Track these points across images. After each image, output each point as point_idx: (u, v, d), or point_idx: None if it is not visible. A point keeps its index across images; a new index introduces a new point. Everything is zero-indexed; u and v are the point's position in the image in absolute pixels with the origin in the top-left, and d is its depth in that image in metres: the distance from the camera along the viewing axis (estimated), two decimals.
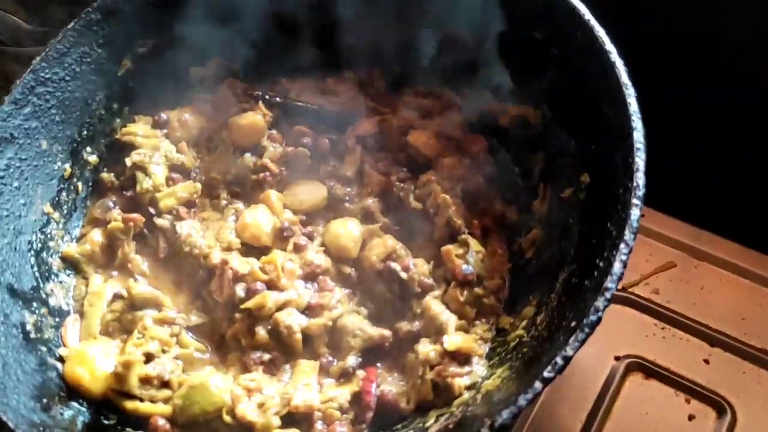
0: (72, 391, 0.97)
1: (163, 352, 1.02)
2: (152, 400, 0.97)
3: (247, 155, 1.20)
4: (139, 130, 1.19)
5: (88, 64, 1.14)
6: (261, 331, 1.02)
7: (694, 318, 1.21)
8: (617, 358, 1.17)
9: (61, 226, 1.12)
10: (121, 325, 1.06)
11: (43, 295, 1.05)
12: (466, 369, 0.97)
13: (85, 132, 1.16)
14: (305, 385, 0.98)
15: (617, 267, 0.80)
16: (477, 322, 1.04)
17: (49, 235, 1.10)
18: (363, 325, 1.04)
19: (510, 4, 1.09)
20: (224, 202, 1.19)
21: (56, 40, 1.10)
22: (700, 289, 1.25)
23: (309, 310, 1.05)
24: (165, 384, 0.98)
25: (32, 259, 1.06)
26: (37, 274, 1.05)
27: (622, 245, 0.81)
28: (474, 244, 1.08)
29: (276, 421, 0.94)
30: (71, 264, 1.12)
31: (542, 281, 1.01)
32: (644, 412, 1.12)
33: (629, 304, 1.23)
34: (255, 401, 0.96)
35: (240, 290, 1.04)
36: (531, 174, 1.13)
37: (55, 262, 1.10)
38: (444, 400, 0.95)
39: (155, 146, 1.18)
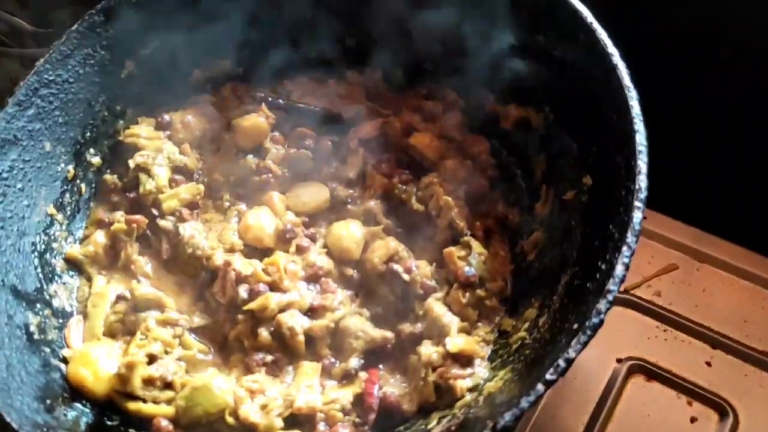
0: (75, 392, 0.98)
1: (166, 353, 1.02)
2: (155, 402, 0.97)
3: (250, 157, 1.20)
4: (142, 131, 1.19)
5: (92, 66, 1.14)
6: (264, 333, 1.02)
7: (696, 320, 1.21)
8: (619, 360, 1.17)
9: (64, 227, 1.12)
10: (124, 327, 1.06)
11: (47, 297, 1.05)
12: (468, 371, 0.97)
13: (88, 134, 1.16)
14: (308, 387, 0.98)
15: (619, 269, 0.80)
16: (479, 324, 1.04)
17: (52, 237, 1.10)
18: (365, 327, 1.04)
19: (512, 7, 1.09)
20: (227, 204, 1.19)
21: (60, 42, 1.10)
22: (702, 292, 1.25)
23: (311, 312, 1.05)
24: (168, 385, 0.98)
25: (36, 261, 1.06)
26: (40, 275, 1.06)
27: (624, 248, 0.81)
28: (476, 246, 1.08)
29: (279, 423, 0.95)
30: (74, 265, 1.12)
31: (544, 283, 1.01)
32: (646, 415, 1.12)
33: (631, 306, 1.23)
34: (258, 403, 0.96)
35: (243, 292, 1.04)
36: (533, 176, 1.13)
37: (59, 264, 1.10)
38: (446, 402, 0.95)
39: (158, 148, 1.18)
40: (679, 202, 1.31)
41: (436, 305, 1.03)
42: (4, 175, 1.03)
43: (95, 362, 0.98)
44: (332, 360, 1.03)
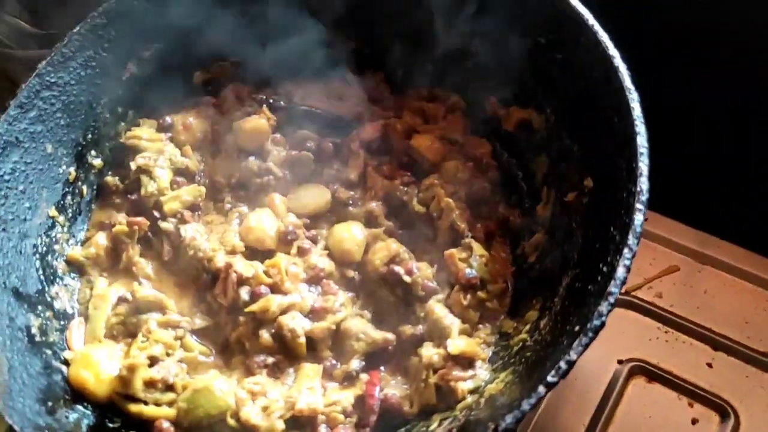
0: (77, 395, 0.98)
1: (168, 355, 1.02)
2: (157, 404, 0.97)
3: (252, 159, 1.20)
4: (143, 133, 1.20)
5: (93, 69, 1.14)
6: (265, 335, 1.02)
7: (698, 322, 1.21)
8: (620, 362, 1.17)
9: (66, 229, 1.12)
10: (126, 329, 1.06)
11: (48, 299, 1.05)
12: (470, 373, 0.97)
13: (90, 136, 1.16)
14: (309, 389, 0.98)
15: (621, 272, 0.80)
16: (480, 325, 1.04)
17: (54, 239, 1.10)
18: (366, 329, 1.04)
19: (514, 9, 1.09)
20: (228, 206, 1.19)
21: (62, 44, 1.10)
22: (703, 293, 1.25)
23: (313, 314, 1.05)
24: (169, 387, 0.98)
25: (37, 263, 1.06)
26: (42, 277, 1.06)
27: (626, 250, 0.81)
28: (477, 248, 1.08)
29: (280, 425, 0.95)
30: (76, 267, 1.12)
31: (545, 285, 1.01)
32: (647, 416, 1.12)
33: (632, 307, 1.23)
34: (259, 405, 0.96)
35: (244, 294, 1.04)
36: (534, 178, 1.13)
37: (60, 266, 1.10)
38: (447, 404, 0.95)
39: (160, 150, 1.18)
40: (681, 204, 1.31)
41: (437, 307, 1.03)
42: (6, 177, 1.03)
43: (96, 364, 0.98)
44: (333, 362, 1.03)
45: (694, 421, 1.12)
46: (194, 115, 1.24)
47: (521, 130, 1.16)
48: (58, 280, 1.09)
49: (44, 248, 1.08)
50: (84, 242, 1.15)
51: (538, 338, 0.95)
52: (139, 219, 1.13)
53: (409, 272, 1.06)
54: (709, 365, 1.17)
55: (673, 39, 1.32)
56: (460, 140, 1.22)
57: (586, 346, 0.78)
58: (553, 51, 1.07)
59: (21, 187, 1.05)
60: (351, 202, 1.18)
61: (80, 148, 1.15)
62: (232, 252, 1.10)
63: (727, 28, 1.28)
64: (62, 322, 1.06)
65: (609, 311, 0.79)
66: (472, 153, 1.20)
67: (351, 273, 1.10)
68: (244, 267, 1.06)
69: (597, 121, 0.98)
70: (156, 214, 1.14)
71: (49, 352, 1.00)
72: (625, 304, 1.23)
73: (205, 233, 1.13)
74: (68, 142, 1.13)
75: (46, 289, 1.06)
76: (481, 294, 1.05)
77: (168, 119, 1.22)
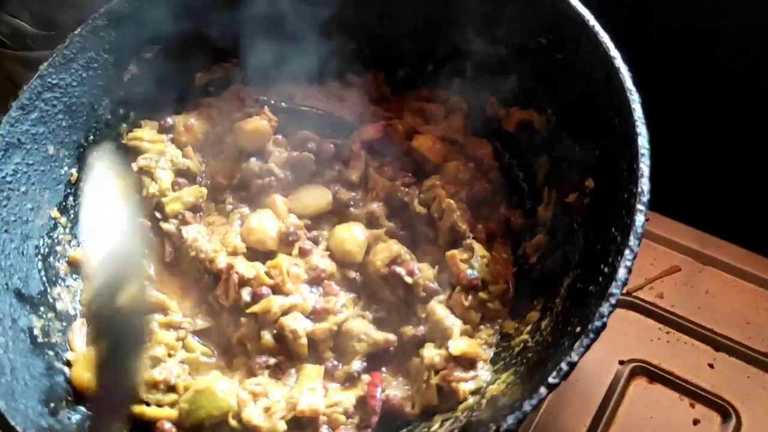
0: (79, 396, 0.98)
1: (170, 356, 1.02)
2: (159, 405, 0.97)
3: (253, 160, 1.20)
4: (145, 135, 1.20)
5: (95, 70, 1.14)
6: (266, 336, 1.03)
7: (699, 322, 1.21)
8: (621, 363, 1.17)
9: (68, 230, 1.12)
10: None
11: (51, 300, 1.05)
12: (471, 374, 0.97)
13: (91, 137, 1.16)
14: (310, 390, 0.98)
15: (622, 273, 0.80)
16: (482, 326, 1.04)
17: (56, 240, 1.10)
18: (368, 330, 1.04)
19: (515, 10, 1.09)
20: (230, 207, 1.19)
21: (63, 45, 1.10)
22: (704, 293, 1.25)
23: (314, 315, 1.05)
24: (171, 388, 0.99)
25: (39, 264, 1.06)
26: (44, 278, 1.06)
27: (627, 251, 0.81)
28: (479, 249, 1.08)
29: (282, 426, 0.95)
30: (78, 268, 1.12)
31: (547, 286, 1.01)
32: (649, 417, 1.12)
33: (634, 308, 1.23)
34: (261, 405, 0.97)
35: (246, 295, 1.05)
36: (535, 178, 1.13)
37: (62, 267, 1.10)
38: (449, 405, 0.96)
39: (161, 151, 1.18)
40: (682, 204, 1.31)
41: (438, 308, 1.03)
42: (8, 178, 1.03)
43: None
44: (335, 363, 1.03)
45: (695, 422, 1.12)
46: (195, 116, 1.24)
47: (522, 130, 1.16)
48: (60, 281, 1.09)
49: (46, 249, 1.08)
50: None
51: (540, 339, 0.95)
52: (141, 220, 1.13)
53: (411, 273, 1.06)
54: (711, 366, 1.17)
55: (673, 39, 1.32)
56: (460, 141, 1.22)
57: (588, 347, 0.78)
58: (554, 51, 1.07)
59: (23, 189, 1.05)
60: (352, 203, 1.18)
61: (82, 150, 1.15)
62: (234, 253, 1.10)
63: (727, 28, 1.28)
64: (64, 323, 1.06)
65: (610, 312, 0.79)
66: (473, 154, 1.20)
67: (352, 274, 1.10)
68: (246, 268, 1.06)
69: (598, 122, 0.98)
70: (157, 215, 1.14)
71: (51, 353, 1.00)
72: (627, 304, 1.23)
73: (206, 234, 1.13)
74: (70, 143, 1.13)
75: (48, 290, 1.06)
76: (482, 295, 1.05)
77: (169, 120, 1.22)
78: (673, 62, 1.33)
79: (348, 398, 0.98)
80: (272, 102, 1.27)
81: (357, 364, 1.02)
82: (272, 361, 1.02)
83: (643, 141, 0.88)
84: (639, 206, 0.84)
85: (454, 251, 1.08)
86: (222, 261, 1.08)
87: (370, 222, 1.15)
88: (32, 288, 1.03)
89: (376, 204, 1.16)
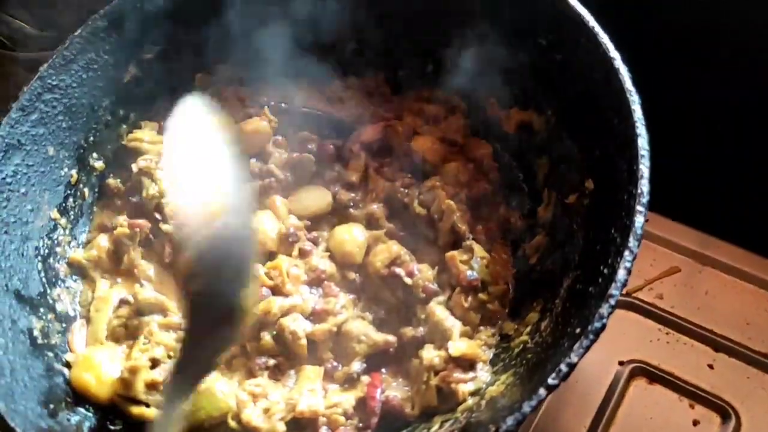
0: (78, 397, 0.98)
1: (169, 357, 1.02)
2: (158, 406, 0.97)
3: (253, 161, 1.20)
4: (145, 136, 1.20)
5: (95, 71, 1.14)
6: (266, 337, 1.03)
7: (699, 323, 1.21)
8: (621, 363, 1.17)
9: (67, 231, 1.13)
10: (127, 331, 1.06)
11: (50, 301, 1.06)
12: (471, 375, 0.97)
13: (91, 138, 1.16)
14: (310, 391, 0.98)
15: (621, 274, 0.80)
16: (481, 327, 1.04)
17: (56, 241, 1.10)
18: (368, 331, 1.04)
19: (514, 10, 1.09)
20: None
21: (63, 46, 1.10)
22: (704, 294, 1.25)
23: (314, 316, 1.05)
24: None
25: (39, 265, 1.06)
26: (44, 279, 1.06)
27: (627, 252, 0.81)
28: (478, 250, 1.08)
29: (281, 427, 0.95)
30: (78, 269, 1.12)
31: (546, 287, 1.01)
32: (648, 417, 1.12)
33: (633, 309, 1.23)
34: (260, 407, 0.97)
35: None
36: (535, 179, 1.13)
37: (62, 268, 1.10)
38: (448, 406, 0.96)
39: (161, 152, 1.18)
40: (681, 205, 1.31)
41: (438, 309, 1.03)
42: (8, 179, 1.03)
43: (98, 366, 0.99)
44: (334, 364, 1.03)
45: (695, 423, 1.12)
46: None
47: (522, 131, 1.16)
48: (59, 282, 1.09)
49: (46, 250, 1.08)
50: (86, 244, 1.15)
51: (539, 340, 0.95)
52: (141, 221, 1.13)
53: (410, 274, 1.06)
54: (710, 366, 1.17)
55: (673, 39, 1.32)
56: (460, 142, 1.22)
57: (587, 348, 0.78)
58: (554, 52, 1.07)
59: (23, 190, 1.05)
60: (352, 204, 1.18)
61: (82, 151, 1.15)
62: None
63: (727, 28, 1.28)
64: (64, 325, 1.06)
65: (610, 313, 0.79)
66: (473, 154, 1.20)
67: (352, 275, 1.10)
68: None
69: (598, 123, 0.98)
70: (157, 216, 1.14)
71: (50, 354, 1.00)
72: (626, 305, 1.23)
73: None
74: (70, 144, 1.13)
75: (48, 291, 1.06)
76: (482, 296, 1.05)
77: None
78: (673, 62, 1.33)
79: (347, 399, 0.98)
80: (272, 103, 1.27)
81: (357, 365, 1.02)
82: (272, 362, 1.02)
83: (642, 142, 0.88)
84: (639, 207, 0.84)
85: (454, 252, 1.08)
86: None
87: (370, 223, 1.15)
88: (32, 289, 1.03)
89: (375, 205, 1.16)
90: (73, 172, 1.14)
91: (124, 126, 1.21)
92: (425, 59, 1.27)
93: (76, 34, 1.12)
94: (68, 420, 0.94)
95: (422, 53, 1.26)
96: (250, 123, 1.22)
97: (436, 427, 0.94)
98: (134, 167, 1.16)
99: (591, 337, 0.78)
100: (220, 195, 0.73)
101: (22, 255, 1.03)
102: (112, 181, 1.19)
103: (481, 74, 1.18)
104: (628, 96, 0.91)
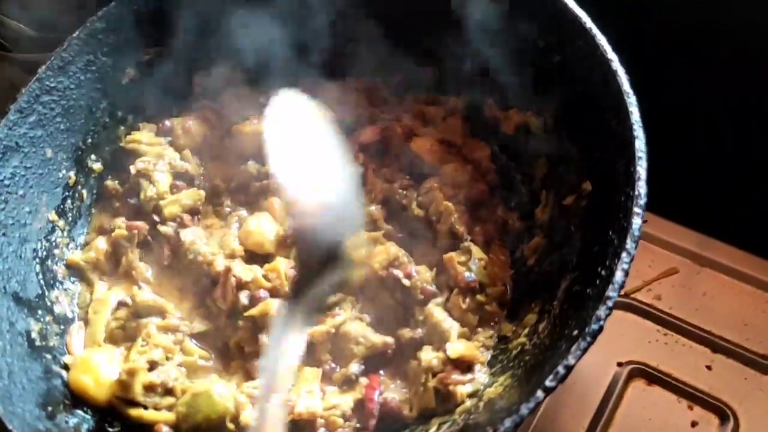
0: (77, 399, 0.98)
1: (167, 359, 1.02)
2: (156, 408, 0.98)
3: (251, 162, 1.21)
4: (143, 137, 1.20)
5: (93, 73, 1.15)
6: (264, 339, 1.02)
7: (697, 324, 1.21)
8: (620, 365, 1.17)
9: (65, 233, 1.13)
10: (126, 333, 1.06)
11: (48, 303, 1.06)
12: (468, 376, 0.97)
13: (89, 140, 1.16)
14: (308, 393, 0.98)
15: (619, 276, 0.81)
16: (479, 329, 1.04)
17: (54, 243, 1.10)
18: (366, 332, 1.04)
19: (512, 12, 1.09)
20: (228, 210, 1.19)
21: (61, 48, 1.10)
22: (702, 295, 1.25)
23: None
24: (169, 391, 0.99)
25: (37, 267, 1.06)
26: (42, 281, 1.06)
27: (624, 254, 0.81)
28: (476, 252, 1.08)
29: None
30: (76, 271, 1.12)
31: (544, 288, 1.01)
32: (647, 419, 1.12)
33: (632, 310, 1.23)
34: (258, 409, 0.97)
35: (243, 298, 1.05)
36: (533, 181, 1.13)
37: (60, 270, 1.10)
38: (446, 408, 0.96)
39: (159, 154, 1.19)
40: (679, 206, 1.31)
41: (436, 310, 1.03)
42: (6, 182, 1.03)
43: (96, 369, 0.99)
44: (333, 365, 1.03)
45: (693, 424, 1.12)
46: (194, 119, 1.24)
47: (520, 133, 1.16)
48: (58, 284, 1.09)
49: (44, 252, 1.08)
50: (84, 246, 1.15)
51: (537, 342, 0.95)
52: (139, 223, 1.14)
53: (408, 276, 1.06)
54: (709, 368, 1.17)
55: (673, 39, 1.32)
56: (459, 143, 1.22)
57: (585, 350, 0.78)
58: (552, 54, 1.07)
59: (21, 192, 1.05)
60: None
61: (80, 153, 1.15)
62: (232, 256, 1.10)
63: (727, 28, 1.28)
64: (62, 327, 1.06)
65: (607, 315, 0.79)
66: (471, 156, 1.21)
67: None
68: (244, 271, 1.06)
69: (595, 125, 0.98)
70: (155, 218, 1.15)
71: (49, 356, 1.00)
72: (624, 306, 1.23)
73: (204, 237, 1.13)
74: (68, 146, 1.13)
75: (46, 293, 1.06)
76: (480, 297, 1.05)
77: (167, 123, 1.22)
78: (673, 62, 1.33)
79: (346, 401, 0.98)
80: None
81: (355, 367, 1.02)
82: None
83: (640, 144, 0.88)
84: (636, 209, 0.84)
85: (452, 254, 1.08)
86: (220, 264, 1.08)
87: (368, 224, 1.15)
88: (30, 291, 1.03)
89: (374, 206, 1.16)
90: (71, 174, 1.14)
91: (122, 128, 1.21)
92: (424, 61, 1.27)
93: (74, 35, 1.12)
94: (66, 422, 0.94)
95: (421, 55, 1.26)
96: (248, 125, 1.22)
97: (434, 429, 0.94)
98: (132, 169, 1.16)
99: (588, 339, 0.78)
100: (327, 170, 0.80)
101: (20, 257, 1.03)
102: (111, 183, 1.19)
103: (480, 76, 1.18)
104: (625, 98, 0.91)
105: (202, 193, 1.18)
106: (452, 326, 1.01)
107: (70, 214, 1.14)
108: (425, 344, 1.02)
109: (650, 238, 1.30)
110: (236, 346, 1.05)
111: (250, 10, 1.20)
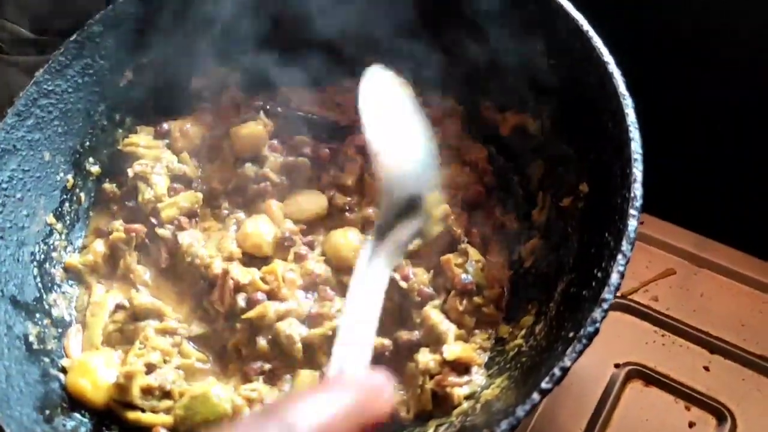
0: (74, 402, 0.98)
1: (165, 362, 1.02)
2: (154, 411, 0.98)
3: (249, 165, 1.21)
4: (141, 140, 1.20)
5: (90, 76, 1.15)
6: (262, 341, 1.03)
7: (694, 325, 1.21)
8: (617, 366, 1.17)
9: (63, 236, 1.13)
10: (123, 336, 1.06)
11: (46, 306, 1.06)
12: (466, 378, 0.97)
13: (87, 143, 1.17)
14: None
15: (614, 278, 0.81)
16: (476, 331, 1.04)
17: (51, 246, 1.10)
18: None
19: (510, 15, 1.09)
20: (225, 212, 1.19)
21: (59, 51, 1.10)
22: (699, 296, 1.25)
23: (309, 320, 1.05)
24: (166, 394, 0.99)
25: (35, 270, 1.06)
26: (40, 285, 1.06)
27: (620, 256, 0.82)
28: (473, 254, 1.08)
29: None
30: (74, 274, 1.12)
31: (541, 290, 1.01)
32: (644, 420, 1.13)
33: (629, 311, 1.24)
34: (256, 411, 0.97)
35: (241, 300, 1.05)
36: (530, 183, 1.14)
37: (58, 273, 1.10)
38: (443, 410, 0.96)
39: (157, 157, 1.19)
40: (677, 207, 1.31)
41: (433, 313, 1.03)
42: (4, 185, 1.03)
43: (94, 372, 0.99)
44: None
45: (691, 425, 1.12)
46: (191, 121, 1.24)
47: (517, 135, 1.16)
48: (55, 287, 1.09)
49: (42, 256, 1.08)
50: (82, 249, 1.15)
51: (534, 344, 0.95)
52: (137, 226, 1.14)
53: (405, 278, 1.06)
54: (706, 368, 1.17)
55: (673, 39, 1.32)
56: (456, 145, 1.22)
57: (581, 352, 0.78)
58: (549, 57, 1.07)
59: (19, 195, 1.06)
60: (347, 207, 1.18)
61: (78, 156, 1.15)
62: (229, 258, 1.10)
63: (727, 28, 1.28)
64: (60, 330, 1.06)
65: (603, 317, 0.79)
66: (469, 158, 1.21)
67: (347, 279, 1.10)
68: (241, 273, 1.06)
69: (592, 127, 0.98)
70: (153, 220, 1.15)
71: (46, 360, 1.00)
72: (622, 307, 1.23)
73: (202, 240, 1.13)
74: (66, 149, 1.13)
75: (44, 296, 1.06)
76: (477, 299, 1.05)
77: (165, 126, 1.23)
78: (673, 62, 1.33)
79: None
80: (268, 107, 1.27)
81: None
82: (267, 366, 1.02)
83: (636, 146, 0.88)
84: (632, 211, 0.84)
85: (449, 255, 1.08)
86: (217, 267, 1.08)
87: (365, 227, 1.15)
88: (28, 295, 1.03)
89: (371, 209, 1.16)
90: (69, 177, 1.14)
91: (120, 131, 1.21)
92: (421, 62, 1.26)
93: (71, 38, 1.12)
94: (64, 425, 0.94)
95: (418, 56, 1.26)
96: (246, 127, 1.22)
97: (431, 430, 0.94)
98: (130, 172, 1.16)
99: (584, 341, 0.78)
100: (412, 131, 0.89)
101: (18, 260, 1.03)
102: (108, 186, 1.19)
103: (477, 78, 1.18)
104: (621, 100, 0.91)
105: (200, 195, 1.18)
106: (449, 328, 1.01)
107: (68, 217, 1.14)
108: (422, 346, 1.02)
109: (647, 239, 1.31)
110: (234, 349, 1.05)
111: (246, 13, 1.20)
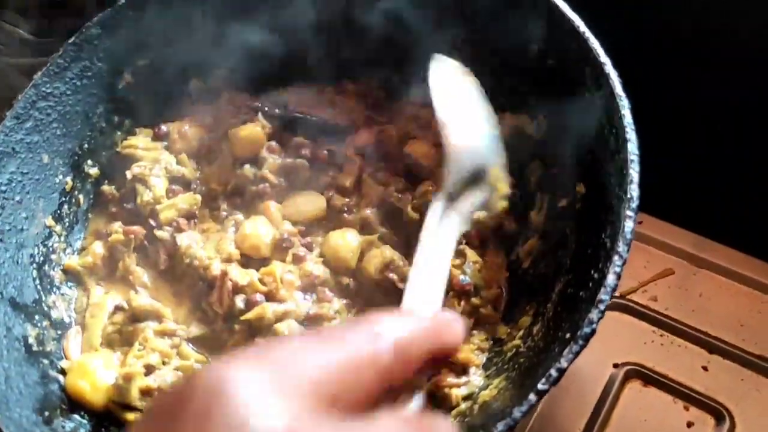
0: (74, 404, 0.98)
1: (164, 363, 1.02)
2: None
3: (247, 166, 1.21)
4: (139, 142, 1.20)
5: (89, 78, 1.15)
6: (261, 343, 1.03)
7: (693, 325, 1.21)
8: (616, 366, 1.17)
9: (62, 238, 1.13)
10: (122, 337, 1.06)
11: (45, 308, 1.06)
12: (464, 379, 0.97)
13: (86, 145, 1.17)
14: None
15: (611, 279, 0.81)
16: (474, 332, 1.04)
17: (50, 248, 1.11)
18: None
19: (506, 16, 1.09)
20: (224, 214, 1.19)
21: (57, 54, 1.10)
22: (698, 296, 1.25)
23: (308, 321, 1.05)
24: None
25: (34, 272, 1.07)
26: (39, 287, 1.06)
27: (616, 257, 0.82)
28: (471, 255, 1.08)
29: None
30: (73, 276, 1.13)
31: (539, 291, 1.01)
32: (643, 420, 1.13)
33: (627, 311, 1.23)
34: None
35: (240, 302, 1.05)
36: (528, 183, 1.14)
37: (57, 275, 1.11)
38: (441, 411, 0.96)
39: (156, 158, 1.19)
40: (675, 206, 1.31)
41: None
42: (2, 188, 1.03)
43: (93, 373, 0.99)
44: None
45: (689, 425, 1.12)
46: (190, 123, 1.24)
47: (514, 136, 1.15)
48: (55, 289, 1.09)
49: (41, 258, 1.09)
50: (80, 251, 1.16)
51: (531, 344, 0.95)
52: (135, 228, 1.14)
53: (404, 279, 1.06)
54: (705, 368, 1.17)
55: (673, 39, 1.32)
56: None
57: (577, 353, 0.78)
58: (546, 58, 1.07)
59: (17, 198, 1.06)
60: (346, 209, 1.18)
61: (77, 158, 1.16)
62: (228, 260, 1.10)
63: (727, 28, 1.28)
64: (59, 332, 1.06)
65: (599, 318, 0.79)
66: None
67: (346, 280, 1.10)
68: (240, 275, 1.07)
69: (589, 128, 0.98)
70: (152, 222, 1.15)
71: (46, 361, 1.01)
72: (620, 307, 1.23)
73: (201, 241, 1.13)
74: (64, 151, 1.13)
75: (43, 298, 1.06)
76: (475, 300, 1.05)
77: (164, 128, 1.23)
78: (672, 62, 1.33)
79: None
80: (266, 109, 1.27)
81: None
82: None
83: (632, 147, 0.88)
84: (628, 212, 0.84)
85: None
86: (216, 268, 1.08)
87: (364, 228, 1.15)
88: (27, 297, 1.04)
89: (369, 210, 1.16)
90: (68, 179, 1.14)
91: (119, 133, 1.21)
92: (419, 64, 1.26)
93: (70, 41, 1.12)
94: (63, 427, 0.94)
95: (416, 57, 1.26)
96: (244, 129, 1.21)
97: None
98: (128, 174, 1.16)
99: (581, 342, 0.78)
100: (477, 111, 0.95)
101: (17, 263, 1.04)
102: (107, 188, 1.19)
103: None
104: (618, 101, 0.91)
105: (198, 197, 1.18)
106: None
107: (66, 220, 1.14)
108: None
109: (646, 239, 1.30)
110: (233, 350, 1.05)
111: (245, 15, 1.21)
